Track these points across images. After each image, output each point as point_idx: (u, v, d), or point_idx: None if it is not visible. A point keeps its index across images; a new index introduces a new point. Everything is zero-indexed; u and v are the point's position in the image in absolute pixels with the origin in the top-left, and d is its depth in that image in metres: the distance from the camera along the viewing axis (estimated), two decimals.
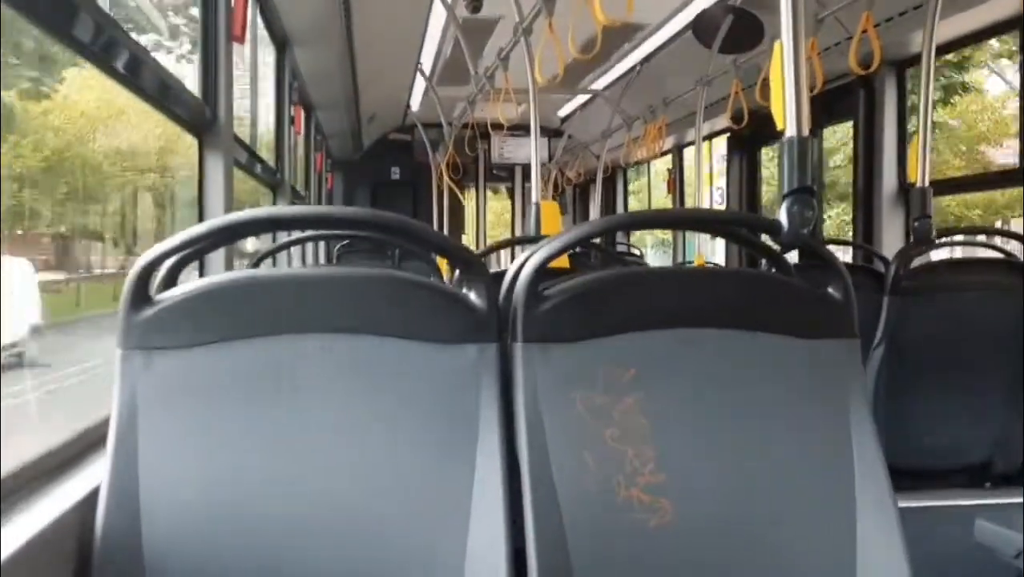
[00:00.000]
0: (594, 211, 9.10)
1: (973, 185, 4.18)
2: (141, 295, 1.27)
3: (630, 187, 9.99)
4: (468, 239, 10.20)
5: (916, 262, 2.92)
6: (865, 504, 1.34)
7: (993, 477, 2.76)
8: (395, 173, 9.55)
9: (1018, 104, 3.92)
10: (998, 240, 3.06)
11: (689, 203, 7.06)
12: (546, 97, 6.99)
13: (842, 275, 1.43)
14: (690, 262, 5.89)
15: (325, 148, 7.82)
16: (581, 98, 7.61)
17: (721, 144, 6.36)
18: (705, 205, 6.28)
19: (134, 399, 1.25)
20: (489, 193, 10.83)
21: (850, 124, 4.33)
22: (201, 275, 2.26)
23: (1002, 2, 3.36)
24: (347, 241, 4.25)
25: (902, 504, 1.36)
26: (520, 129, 7.41)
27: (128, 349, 1.26)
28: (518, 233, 9.69)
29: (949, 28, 3.54)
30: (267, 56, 4.43)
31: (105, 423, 1.28)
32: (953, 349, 2.70)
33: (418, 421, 1.29)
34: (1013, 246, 3.06)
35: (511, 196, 10.55)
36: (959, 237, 3.70)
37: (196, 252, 1.44)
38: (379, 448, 1.28)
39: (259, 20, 3.96)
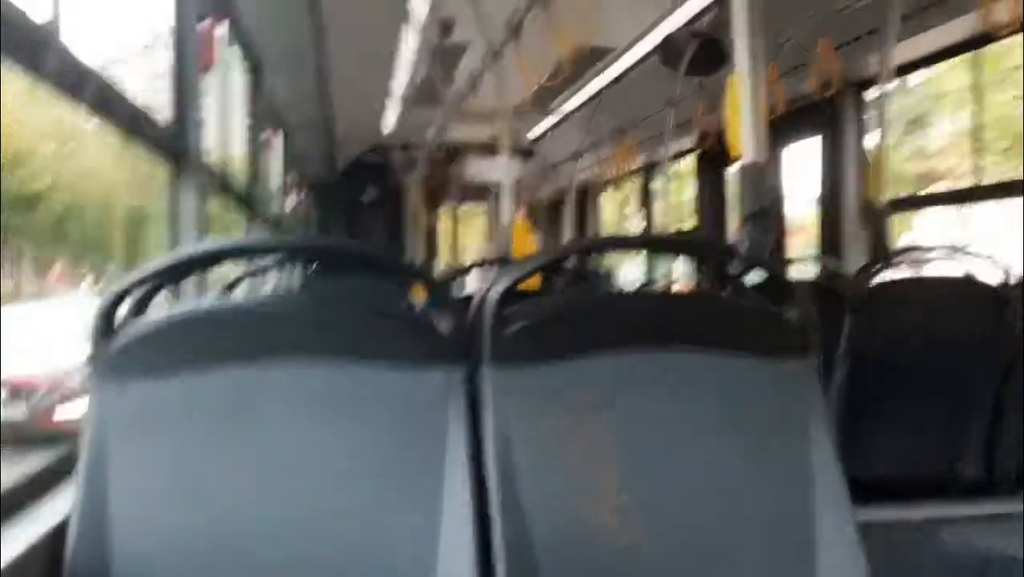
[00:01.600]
0: (566, 231, 9.16)
1: (929, 203, 4.28)
2: (110, 324, 1.29)
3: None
4: (443, 259, 10.22)
5: (883, 277, 2.99)
6: (825, 521, 1.37)
7: (957, 490, 2.81)
8: (370, 194, 9.56)
9: None
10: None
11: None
12: (516, 118, 7.05)
13: (799, 295, 1.47)
14: (655, 281, 5.94)
15: (299, 170, 7.82)
16: (551, 119, 7.68)
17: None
18: (674, 224, 6.36)
19: (104, 428, 1.26)
20: (468, 212, 10.88)
21: None
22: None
23: (954, 27, 3.46)
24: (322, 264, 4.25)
25: (867, 518, 1.39)
26: (492, 150, 7.46)
27: (99, 378, 1.27)
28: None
29: (906, 51, 3.64)
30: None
31: (75, 453, 1.29)
32: (915, 364, 2.75)
33: (385, 446, 1.30)
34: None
35: (487, 216, 10.59)
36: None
37: (166, 281, 1.46)
38: (347, 474, 1.29)
39: (233, 45, 3.98)
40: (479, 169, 8.66)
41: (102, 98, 1.83)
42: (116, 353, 1.27)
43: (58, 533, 1.25)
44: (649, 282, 6.41)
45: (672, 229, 6.28)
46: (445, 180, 8.60)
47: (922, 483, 2.81)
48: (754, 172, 1.55)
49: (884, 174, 3.00)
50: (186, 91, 2.48)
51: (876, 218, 2.98)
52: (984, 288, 2.83)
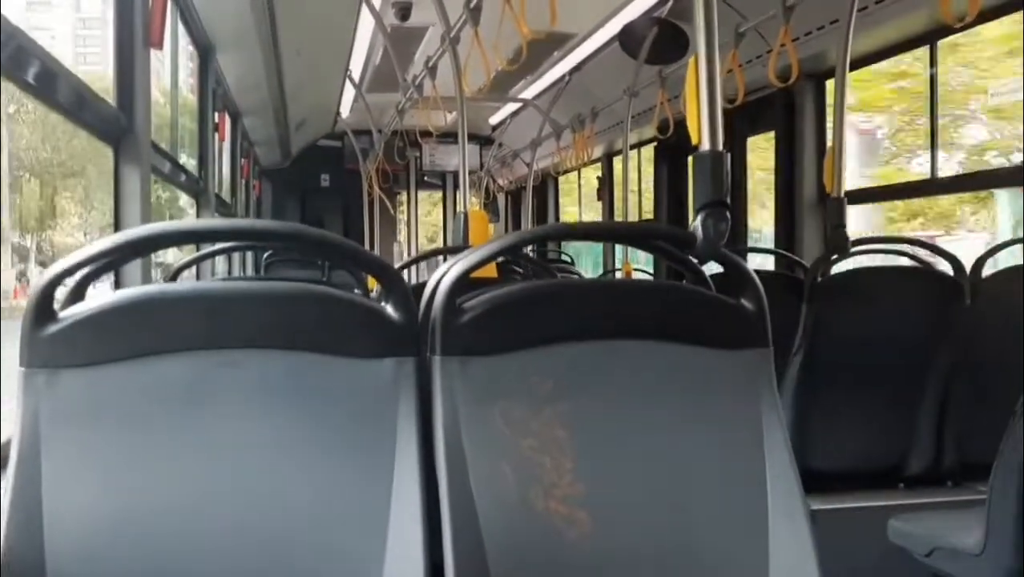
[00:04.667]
0: (526, 218, 9.15)
1: (886, 195, 4.34)
2: (45, 310, 1.23)
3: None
4: (401, 248, 10.15)
5: (840, 268, 3.02)
6: (777, 510, 1.37)
7: (906, 478, 2.85)
8: (325, 180, 9.44)
9: None
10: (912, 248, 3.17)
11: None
12: (477, 105, 7.00)
13: (755, 286, 1.45)
14: (619, 270, 5.96)
15: (252, 155, 7.69)
16: (512, 106, 7.64)
17: None
18: (634, 213, 6.37)
19: (37, 419, 1.20)
20: (425, 200, 10.82)
21: None
22: (117, 288, 2.20)
23: (912, 19, 3.49)
24: (273, 251, 4.18)
25: (818, 506, 1.39)
26: (450, 136, 7.40)
27: (31, 368, 1.21)
28: (450, 241, 9.65)
29: (863, 43, 3.66)
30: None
31: (6, 446, 1.23)
32: (868, 354, 2.78)
33: (334, 437, 1.27)
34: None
35: (443, 204, 10.54)
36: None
37: (106, 266, 1.40)
38: (294, 465, 1.26)
39: (180, 26, 3.88)
40: (437, 155, 8.60)
41: (43, 73, 1.74)
42: (51, 340, 1.22)
43: None
44: (609, 271, 6.43)
45: (633, 218, 6.28)
46: (402, 167, 8.53)
47: (872, 473, 2.85)
48: (710, 161, 1.52)
49: (842, 165, 3.01)
50: (130, 67, 2.39)
51: (833, 209, 2.99)
52: (935, 279, 2.86)
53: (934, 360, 2.81)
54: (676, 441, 1.39)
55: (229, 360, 1.26)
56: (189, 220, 3.92)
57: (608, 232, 2.55)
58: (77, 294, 1.34)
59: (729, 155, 1.51)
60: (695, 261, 1.55)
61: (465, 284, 1.38)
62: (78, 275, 1.32)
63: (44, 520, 1.18)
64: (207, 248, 2.65)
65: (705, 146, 1.51)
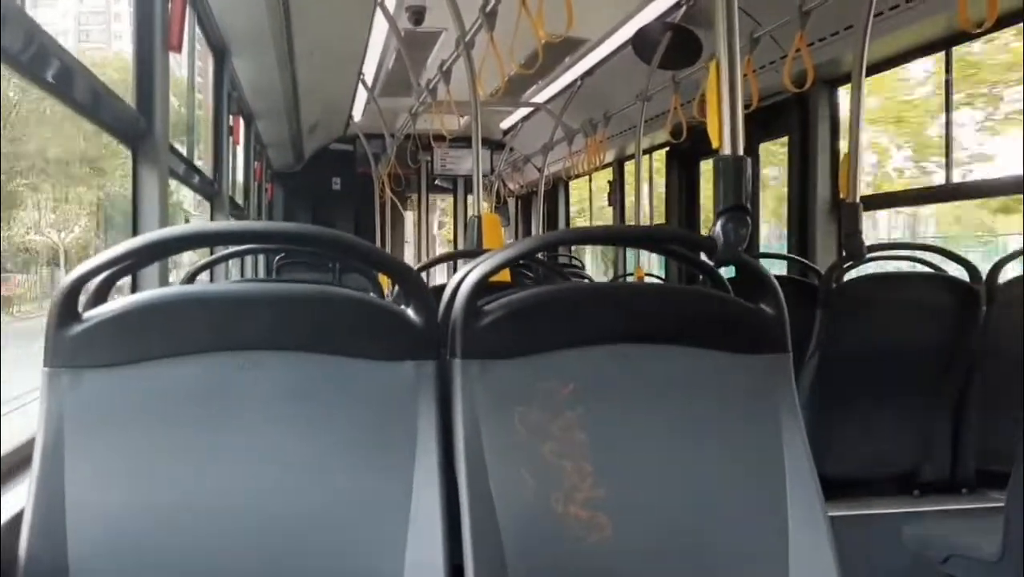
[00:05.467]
0: (536, 223, 9.15)
1: (902, 201, 4.32)
2: (69, 312, 1.24)
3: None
4: (410, 251, 10.17)
5: (853, 273, 3.01)
6: (797, 515, 1.37)
7: (921, 485, 2.84)
8: (336, 184, 9.46)
9: None
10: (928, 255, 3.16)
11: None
12: (489, 109, 7.01)
13: (775, 291, 1.45)
14: (630, 274, 5.95)
15: (265, 158, 7.72)
16: (524, 110, 7.65)
17: None
18: (645, 218, 6.37)
19: (60, 419, 1.21)
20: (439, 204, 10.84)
21: None
22: (134, 290, 2.21)
23: (928, 25, 3.48)
24: (286, 253, 4.20)
25: (833, 513, 1.39)
26: (462, 141, 7.43)
27: (55, 368, 1.23)
28: (460, 245, 9.68)
29: (879, 49, 3.65)
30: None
31: (29, 444, 1.24)
32: (883, 361, 2.77)
33: (354, 439, 1.27)
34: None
35: (454, 208, 10.56)
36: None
37: (127, 268, 1.41)
38: (313, 466, 1.26)
39: (196, 28, 3.90)
40: (449, 160, 8.61)
41: (62, 72, 1.75)
42: (74, 342, 1.23)
43: (12, 527, 1.20)
44: (620, 275, 6.43)
45: (644, 223, 6.28)
46: (415, 170, 8.55)
47: (887, 479, 2.84)
48: (732, 166, 1.53)
49: (857, 170, 3.00)
50: (150, 70, 2.40)
51: (849, 215, 2.99)
52: (951, 286, 2.85)
53: (949, 366, 2.80)
54: (695, 446, 1.39)
55: (249, 361, 1.26)
56: (207, 223, 3.94)
57: (628, 236, 2.55)
58: (99, 296, 1.35)
59: (750, 160, 1.51)
60: (711, 265, 1.55)
61: (482, 288, 1.38)
62: (100, 277, 1.33)
63: (67, 518, 1.19)
64: (223, 250, 2.65)
65: (726, 150, 1.51)
